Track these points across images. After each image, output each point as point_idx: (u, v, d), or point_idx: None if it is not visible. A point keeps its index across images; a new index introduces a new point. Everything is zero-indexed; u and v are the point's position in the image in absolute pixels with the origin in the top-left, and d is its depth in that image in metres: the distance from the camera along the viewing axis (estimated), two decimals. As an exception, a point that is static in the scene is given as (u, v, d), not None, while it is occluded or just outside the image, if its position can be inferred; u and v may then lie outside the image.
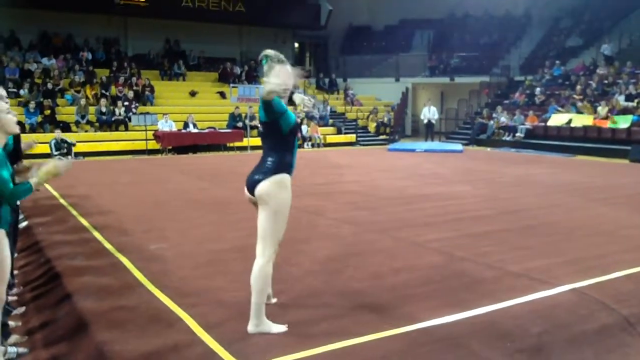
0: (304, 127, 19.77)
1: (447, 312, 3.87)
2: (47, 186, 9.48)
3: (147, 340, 3.46)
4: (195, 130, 17.86)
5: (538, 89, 21.28)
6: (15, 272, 5.05)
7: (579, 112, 18.36)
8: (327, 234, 6.29)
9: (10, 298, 4.46)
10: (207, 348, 3.36)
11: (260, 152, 3.67)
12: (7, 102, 3.67)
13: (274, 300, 4.04)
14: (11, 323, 4.05)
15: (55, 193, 8.88)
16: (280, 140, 3.54)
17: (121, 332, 3.59)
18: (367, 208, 7.84)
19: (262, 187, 3.47)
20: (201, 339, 3.47)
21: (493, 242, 5.90)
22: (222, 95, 22.10)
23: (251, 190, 3.54)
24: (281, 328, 3.57)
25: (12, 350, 3.56)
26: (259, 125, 3.66)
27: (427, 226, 6.67)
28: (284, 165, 3.53)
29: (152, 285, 4.47)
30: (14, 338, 3.80)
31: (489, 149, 18.69)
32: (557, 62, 22.50)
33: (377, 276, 4.75)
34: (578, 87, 19.81)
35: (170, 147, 17.11)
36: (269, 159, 3.53)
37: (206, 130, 18.19)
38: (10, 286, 4.50)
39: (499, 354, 3.34)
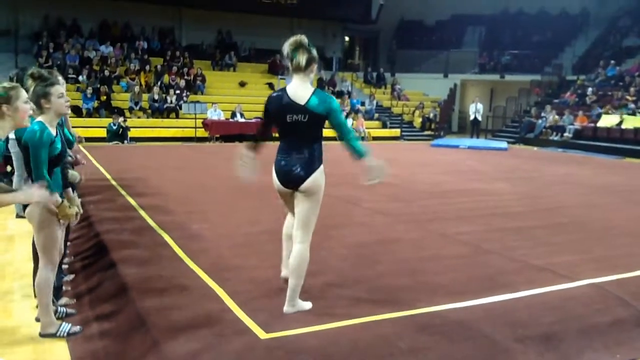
0: (349, 120, 20.00)
1: (464, 299, 4.05)
2: (100, 168, 10.04)
3: (182, 308, 3.77)
4: (243, 120, 18.32)
5: (590, 89, 20.88)
6: (68, 243, 5.47)
7: (631, 113, 17.96)
8: (360, 223, 6.51)
9: (62, 266, 4.88)
10: (237, 318, 3.64)
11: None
12: (62, 85, 4.01)
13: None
14: (66, 299, 4.45)
15: (107, 175, 9.39)
16: (319, 132, 3.62)
17: (159, 299, 3.93)
18: (402, 200, 8.03)
19: (312, 180, 3.54)
20: (232, 310, 3.76)
21: (522, 237, 6.00)
22: (271, 86, 22.49)
23: (293, 183, 3.57)
24: (308, 304, 3.79)
25: (62, 309, 3.95)
26: (297, 116, 3.53)
27: (459, 220, 6.81)
28: (322, 156, 3.65)
29: (190, 260, 4.80)
30: (64, 300, 4.20)
31: (535, 148, 18.49)
32: (612, 62, 21.98)
33: (403, 263, 4.96)
34: (632, 89, 19.34)
35: (217, 136, 17.62)
36: (310, 150, 3.55)
37: (253, 120, 18.61)
38: (62, 255, 4.94)
39: (510, 339, 3.50)
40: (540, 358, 3.36)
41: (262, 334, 3.38)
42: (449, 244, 5.70)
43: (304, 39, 3.56)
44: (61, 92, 3.59)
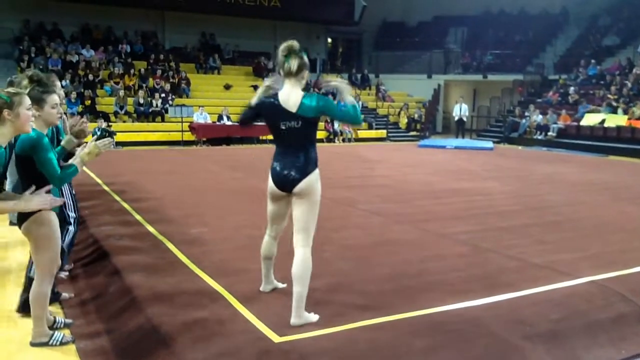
0: (335, 122, 20.04)
1: (471, 298, 4.11)
2: (91, 173, 9.95)
3: (191, 314, 3.76)
4: (229, 123, 18.28)
5: (572, 88, 21.17)
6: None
7: (612, 112, 18.25)
8: (358, 224, 6.55)
9: (63, 274, 4.85)
10: (249, 322, 3.64)
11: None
12: (60, 90, 4.00)
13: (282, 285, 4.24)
14: (65, 295, 4.44)
15: (98, 180, 9.32)
16: (313, 136, 3.66)
17: (167, 305, 3.92)
18: (396, 201, 8.09)
19: (307, 183, 3.56)
20: (242, 314, 3.77)
21: (518, 235, 6.09)
22: (256, 89, 22.22)
23: (288, 186, 3.59)
24: (316, 316, 3.69)
25: (60, 320, 3.91)
26: (290, 123, 3.57)
27: (454, 219, 6.88)
28: (317, 159, 3.65)
29: (194, 265, 4.80)
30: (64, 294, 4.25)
31: (520, 147, 18.70)
32: (593, 61, 22.30)
33: (405, 263, 5.01)
34: (613, 87, 19.65)
35: (204, 139, 17.56)
36: (304, 154, 3.58)
37: (240, 123, 18.56)
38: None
39: (518, 337, 3.56)
40: (549, 355, 3.42)
41: (275, 338, 3.40)
42: (447, 243, 5.77)
43: (295, 44, 3.59)
44: (56, 103, 3.55)
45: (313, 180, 3.59)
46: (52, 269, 3.54)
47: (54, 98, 3.52)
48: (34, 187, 3.20)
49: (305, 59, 3.63)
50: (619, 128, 17.29)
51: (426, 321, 3.69)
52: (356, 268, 4.85)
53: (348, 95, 3.63)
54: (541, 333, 3.65)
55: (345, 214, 7.05)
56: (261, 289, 4.14)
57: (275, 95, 3.63)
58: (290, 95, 3.58)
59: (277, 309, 3.81)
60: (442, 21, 28.01)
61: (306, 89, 3.71)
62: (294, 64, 3.55)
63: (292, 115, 3.54)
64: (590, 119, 18.46)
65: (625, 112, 17.90)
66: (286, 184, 3.61)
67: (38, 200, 3.08)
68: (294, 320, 3.60)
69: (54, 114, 3.53)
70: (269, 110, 3.64)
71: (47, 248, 3.45)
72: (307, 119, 3.54)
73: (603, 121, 18.02)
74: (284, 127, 3.57)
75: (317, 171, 3.63)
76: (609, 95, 19.36)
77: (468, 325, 3.63)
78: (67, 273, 4.89)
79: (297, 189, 3.58)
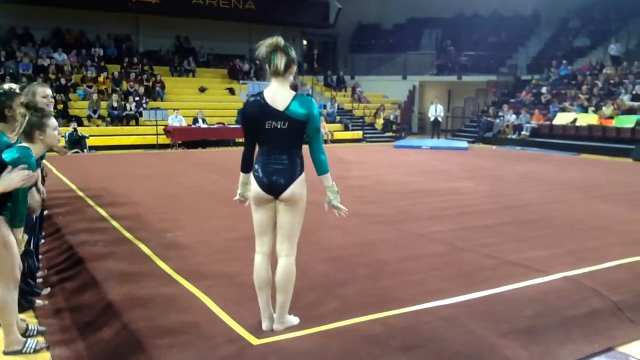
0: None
1: (446, 296, 4.14)
2: (64, 179, 9.82)
3: (169, 318, 3.74)
4: (205, 126, 18.20)
5: (544, 88, 21.51)
6: (40, 256, 5.35)
7: (584, 111, 18.59)
8: (335, 226, 6.52)
9: (41, 302, 4.73)
10: (226, 325, 3.63)
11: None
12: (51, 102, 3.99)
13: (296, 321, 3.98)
14: (39, 302, 4.38)
15: (72, 185, 9.20)
16: (300, 139, 3.44)
17: (144, 311, 3.88)
18: (373, 202, 8.12)
19: (294, 189, 3.40)
20: (220, 318, 3.75)
21: (493, 234, 6.16)
22: (231, 91, 22.43)
23: (272, 191, 3.41)
24: (296, 319, 3.68)
25: (33, 327, 3.86)
26: (276, 123, 3.34)
27: (431, 219, 6.94)
28: (304, 163, 3.47)
29: (171, 269, 4.76)
30: (39, 302, 4.19)
31: (494, 147, 18.93)
32: (564, 61, 22.71)
33: (382, 263, 5.03)
34: (584, 87, 20.01)
35: (180, 142, 17.45)
36: (290, 157, 3.40)
37: (215, 126, 18.52)
38: (35, 269, 4.83)
39: (495, 334, 3.60)
40: (525, 351, 3.47)
41: (254, 340, 3.39)
42: (424, 243, 5.81)
43: (281, 40, 3.33)
44: (56, 125, 3.58)
45: (299, 186, 3.41)
46: (15, 274, 3.46)
47: (54, 121, 3.57)
48: (10, 167, 3.19)
49: (293, 54, 3.37)
50: (590, 127, 17.62)
51: (402, 321, 3.71)
52: (334, 269, 4.86)
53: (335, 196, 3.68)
54: (517, 329, 3.69)
55: (322, 216, 6.96)
56: (263, 327, 3.56)
57: (260, 94, 3.38)
58: (277, 94, 3.34)
59: (255, 312, 3.78)
60: (417, 23, 28.28)
61: (294, 88, 3.51)
62: (280, 62, 3.29)
63: (279, 114, 3.31)
64: (562, 119, 18.78)
65: (595, 111, 18.24)
66: (270, 190, 3.41)
67: (19, 175, 3.13)
68: (276, 326, 3.55)
69: (55, 135, 3.58)
70: (253, 108, 3.36)
71: (5, 254, 3.38)
72: (294, 120, 3.32)
73: (575, 120, 18.34)
74: (268, 127, 3.32)
75: (303, 176, 3.43)
76: (580, 95, 19.71)
77: (444, 324, 3.66)
78: (45, 302, 4.45)
79: (282, 195, 3.40)
